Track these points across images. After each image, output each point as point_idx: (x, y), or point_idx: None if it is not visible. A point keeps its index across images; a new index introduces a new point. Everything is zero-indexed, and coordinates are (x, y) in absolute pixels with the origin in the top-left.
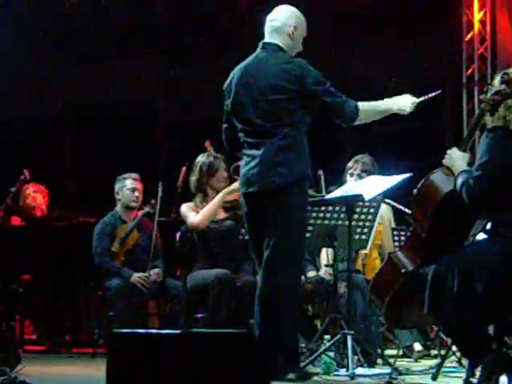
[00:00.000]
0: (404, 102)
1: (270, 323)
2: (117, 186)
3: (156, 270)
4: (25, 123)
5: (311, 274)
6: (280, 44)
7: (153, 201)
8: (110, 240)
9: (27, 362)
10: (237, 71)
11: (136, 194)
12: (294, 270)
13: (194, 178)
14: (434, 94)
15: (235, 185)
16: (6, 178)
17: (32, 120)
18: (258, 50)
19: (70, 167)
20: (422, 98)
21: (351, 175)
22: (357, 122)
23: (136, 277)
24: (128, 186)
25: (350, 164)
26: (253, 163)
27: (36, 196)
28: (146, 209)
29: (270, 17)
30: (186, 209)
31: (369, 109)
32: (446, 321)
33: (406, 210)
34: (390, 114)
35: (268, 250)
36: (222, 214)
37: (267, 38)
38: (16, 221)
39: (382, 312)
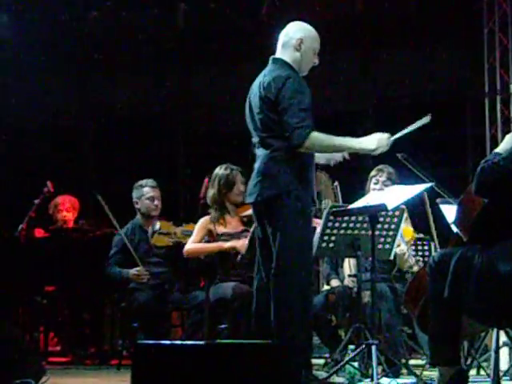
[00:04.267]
0: (369, 142)
1: (281, 335)
2: (135, 195)
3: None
4: (46, 134)
5: (334, 283)
6: (286, 58)
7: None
8: (126, 255)
9: (52, 374)
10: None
11: (155, 202)
12: (296, 281)
13: (212, 192)
14: (422, 121)
15: (237, 242)
16: (30, 190)
17: (53, 131)
18: (268, 64)
19: (92, 178)
20: (404, 131)
21: (376, 182)
22: (305, 150)
23: (132, 273)
24: (147, 196)
25: (373, 172)
26: (252, 175)
27: (67, 213)
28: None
29: (281, 33)
30: (198, 225)
31: (325, 141)
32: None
33: None
34: (354, 151)
35: (273, 262)
36: (240, 227)
37: (276, 54)
38: (39, 233)
39: (414, 316)
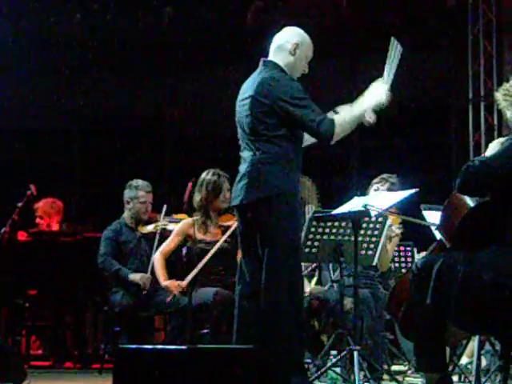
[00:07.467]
0: (378, 91)
1: (270, 338)
2: (128, 194)
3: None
4: (31, 137)
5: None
6: (278, 62)
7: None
8: (116, 245)
9: (33, 378)
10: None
11: (149, 208)
12: (286, 284)
13: (198, 197)
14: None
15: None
16: (13, 193)
17: (38, 134)
18: (259, 66)
19: (76, 181)
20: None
21: (376, 189)
22: (336, 139)
23: (137, 276)
24: (141, 200)
25: (376, 180)
26: (238, 177)
27: (49, 219)
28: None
29: (275, 36)
30: (177, 228)
31: (346, 120)
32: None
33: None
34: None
35: (263, 266)
36: (218, 236)
37: (269, 56)
38: (22, 236)
39: (397, 322)
